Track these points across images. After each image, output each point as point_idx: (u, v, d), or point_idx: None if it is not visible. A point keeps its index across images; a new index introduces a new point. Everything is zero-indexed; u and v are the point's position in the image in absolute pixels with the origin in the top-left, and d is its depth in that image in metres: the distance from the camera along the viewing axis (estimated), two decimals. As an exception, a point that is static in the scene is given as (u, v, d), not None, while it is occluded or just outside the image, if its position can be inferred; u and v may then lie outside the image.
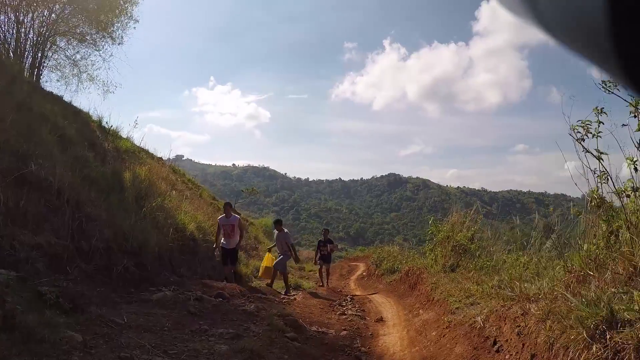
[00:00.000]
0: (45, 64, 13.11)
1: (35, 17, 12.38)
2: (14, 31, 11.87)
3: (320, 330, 3.69)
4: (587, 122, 2.87)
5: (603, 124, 2.81)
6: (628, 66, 0.29)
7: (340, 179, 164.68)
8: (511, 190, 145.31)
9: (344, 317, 4.76)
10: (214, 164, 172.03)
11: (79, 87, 13.24)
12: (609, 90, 2.76)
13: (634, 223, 2.51)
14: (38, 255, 3.89)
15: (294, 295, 6.18)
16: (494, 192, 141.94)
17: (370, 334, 4.16)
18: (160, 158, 13.52)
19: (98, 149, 8.43)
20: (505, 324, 2.73)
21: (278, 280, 7.41)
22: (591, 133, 2.86)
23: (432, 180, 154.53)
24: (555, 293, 2.50)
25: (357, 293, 8.05)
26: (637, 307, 1.92)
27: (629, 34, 0.27)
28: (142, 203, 6.64)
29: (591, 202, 2.85)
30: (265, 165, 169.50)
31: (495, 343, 2.76)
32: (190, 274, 6.70)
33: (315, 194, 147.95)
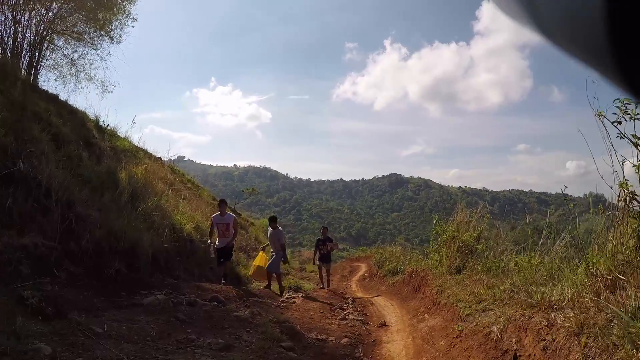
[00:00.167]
0: (43, 64, 12.99)
1: (32, 15, 12.27)
2: (11, 30, 11.76)
3: (319, 337, 3.45)
4: (626, 102, 2.46)
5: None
6: (624, 70, 0.29)
7: (341, 179, 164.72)
8: (513, 190, 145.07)
9: (345, 322, 4.52)
10: (215, 164, 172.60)
11: (77, 86, 13.10)
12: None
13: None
14: (22, 257, 3.70)
15: (293, 298, 5.96)
16: (495, 192, 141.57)
17: (373, 341, 3.92)
18: (159, 158, 13.37)
19: (94, 148, 8.25)
20: (527, 335, 2.43)
21: (274, 281, 7.21)
22: (629, 114, 2.50)
23: (433, 180, 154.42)
24: (582, 300, 2.24)
25: (359, 295, 7.82)
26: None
27: (626, 38, 0.28)
28: (137, 203, 6.44)
29: (620, 196, 2.56)
30: (267, 166, 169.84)
31: (515, 358, 2.45)
32: (187, 276, 6.50)
33: (317, 194, 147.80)
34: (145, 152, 12.61)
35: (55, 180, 4.82)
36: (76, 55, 13.50)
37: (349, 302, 6.29)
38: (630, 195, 2.48)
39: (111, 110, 24.43)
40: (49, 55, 13.25)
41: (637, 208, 2.50)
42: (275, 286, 7.19)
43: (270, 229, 7.22)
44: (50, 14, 12.64)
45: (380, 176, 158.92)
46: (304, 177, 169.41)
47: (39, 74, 12.62)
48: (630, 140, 2.51)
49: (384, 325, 4.64)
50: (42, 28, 12.48)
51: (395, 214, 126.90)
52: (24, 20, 12.23)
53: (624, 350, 1.67)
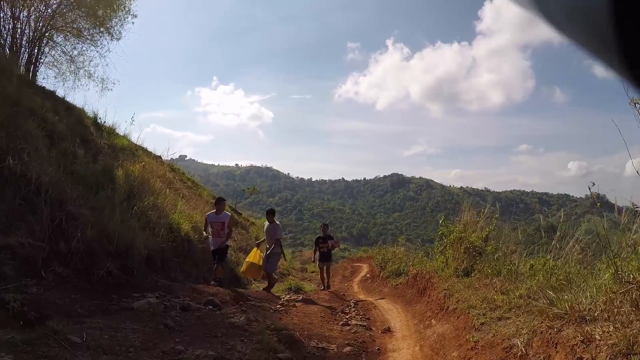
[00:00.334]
0: (42, 60, 12.86)
1: (31, 12, 12.13)
2: (10, 27, 11.63)
3: (320, 346, 3.22)
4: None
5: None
6: (631, 60, 0.29)
7: (343, 179, 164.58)
8: (514, 190, 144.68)
9: (348, 327, 4.29)
10: (217, 164, 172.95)
11: (76, 83, 12.98)
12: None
13: None
14: (7, 257, 3.50)
15: (293, 300, 5.73)
16: (497, 192, 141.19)
17: (378, 349, 3.69)
18: (159, 156, 13.19)
19: (90, 145, 8.08)
20: (558, 352, 2.12)
21: (278, 282, 6.95)
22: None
23: (435, 181, 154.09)
24: (619, 311, 1.99)
25: (361, 297, 7.60)
26: None
27: (633, 30, 0.28)
28: (133, 202, 6.24)
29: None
30: (269, 166, 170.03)
31: (547, 380, 2.14)
32: (184, 277, 6.30)
33: (318, 194, 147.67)
34: (145, 150, 12.44)
35: (46, 178, 4.62)
36: (75, 52, 13.36)
37: (351, 305, 6.06)
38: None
39: (111, 108, 24.35)
40: (48, 52, 13.12)
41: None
42: (274, 289, 6.95)
43: (266, 223, 6.84)
44: (49, 10, 12.52)
45: (381, 176, 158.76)
46: (306, 177, 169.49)
47: (37, 70, 12.49)
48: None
49: (388, 330, 4.41)
50: (41, 24, 12.34)
51: (397, 214, 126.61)
52: (23, 17, 12.10)
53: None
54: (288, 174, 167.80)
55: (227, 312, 3.55)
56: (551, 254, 3.93)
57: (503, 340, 2.58)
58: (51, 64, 13.28)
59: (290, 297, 6.02)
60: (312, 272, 13.40)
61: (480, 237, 5.32)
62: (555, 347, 2.16)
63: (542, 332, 2.34)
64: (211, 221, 6.16)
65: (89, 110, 10.33)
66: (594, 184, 2.91)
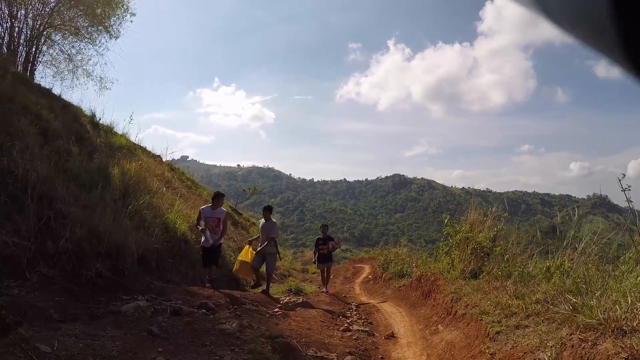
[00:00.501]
0: (40, 59, 12.74)
1: (29, 10, 12.01)
2: (7, 25, 11.52)
3: (318, 355, 2.97)
4: None
5: None
6: (630, 51, 0.29)
7: (344, 179, 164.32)
8: (516, 190, 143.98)
9: (349, 333, 4.05)
10: (218, 164, 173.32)
11: (74, 82, 12.88)
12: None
13: None
14: (-12, 258, 3.31)
15: (292, 303, 5.50)
16: (498, 192, 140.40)
17: (381, 358, 3.47)
18: (159, 156, 13.03)
19: (86, 143, 7.92)
20: None
21: (278, 283, 6.71)
22: None
23: (436, 181, 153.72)
24: None
25: (363, 299, 7.36)
26: None
27: (634, 25, 0.28)
28: (128, 201, 6.05)
29: None
30: (270, 166, 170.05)
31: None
32: (179, 279, 6.09)
33: (320, 194, 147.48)
34: (144, 149, 12.27)
35: (33, 175, 4.43)
36: (74, 51, 13.25)
37: (352, 309, 5.83)
38: None
39: (111, 107, 24.18)
40: (46, 51, 13.01)
41: None
42: (273, 290, 6.72)
43: (262, 220, 6.55)
44: (47, 9, 12.39)
45: (383, 177, 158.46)
46: (307, 178, 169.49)
47: (35, 69, 12.38)
48: None
49: (392, 336, 4.18)
50: (39, 23, 12.22)
51: (399, 215, 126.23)
52: (21, 15, 11.98)
53: None
54: (290, 174, 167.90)
55: (219, 317, 3.32)
56: (567, 255, 3.70)
57: (525, 353, 2.27)
58: (49, 62, 13.18)
59: (289, 299, 5.79)
60: (314, 274, 13.18)
61: (488, 237, 5.07)
62: (591, 364, 1.88)
63: (573, 346, 2.04)
64: (206, 216, 5.74)
65: (86, 108, 10.17)
66: (629, 186, 2.67)
